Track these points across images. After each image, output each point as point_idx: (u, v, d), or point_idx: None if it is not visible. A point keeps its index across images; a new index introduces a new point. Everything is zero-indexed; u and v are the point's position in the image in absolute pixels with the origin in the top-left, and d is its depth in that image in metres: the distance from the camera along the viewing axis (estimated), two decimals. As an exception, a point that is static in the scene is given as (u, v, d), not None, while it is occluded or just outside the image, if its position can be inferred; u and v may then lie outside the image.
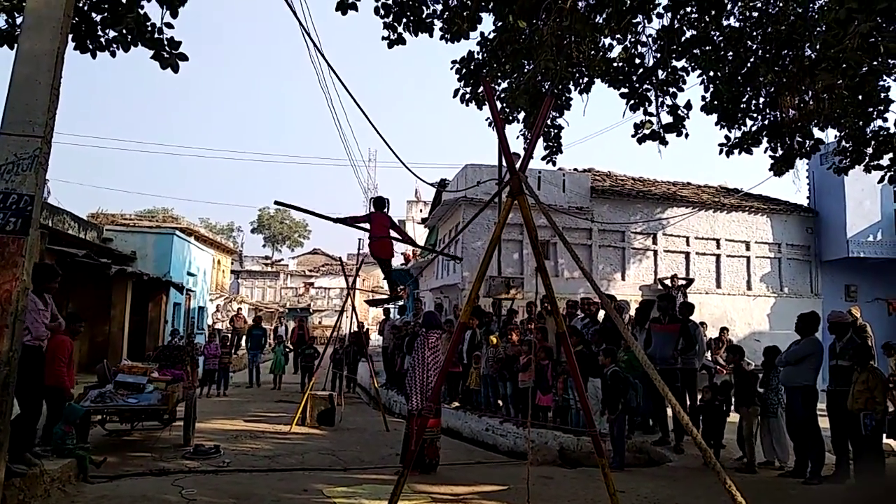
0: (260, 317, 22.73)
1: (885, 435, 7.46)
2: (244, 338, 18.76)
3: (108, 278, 14.59)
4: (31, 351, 5.93)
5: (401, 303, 23.71)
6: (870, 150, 9.11)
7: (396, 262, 28.06)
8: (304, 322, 19.02)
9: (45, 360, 6.54)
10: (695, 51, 9.04)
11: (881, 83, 7.85)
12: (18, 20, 6.38)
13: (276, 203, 9.43)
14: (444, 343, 8.38)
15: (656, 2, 8.80)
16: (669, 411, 7.76)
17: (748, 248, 18.68)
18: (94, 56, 6.86)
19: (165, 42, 6.72)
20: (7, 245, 4.29)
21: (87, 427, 7.67)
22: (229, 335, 19.73)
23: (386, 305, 19.66)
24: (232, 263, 40.33)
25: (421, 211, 49.16)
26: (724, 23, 8.94)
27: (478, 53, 9.48)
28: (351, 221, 8.94)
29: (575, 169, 18.88)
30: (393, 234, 9.08)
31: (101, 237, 16.75)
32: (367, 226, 8.84)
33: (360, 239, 24.47)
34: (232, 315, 27.92)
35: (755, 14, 8.82)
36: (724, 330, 13.64)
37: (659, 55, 9.26)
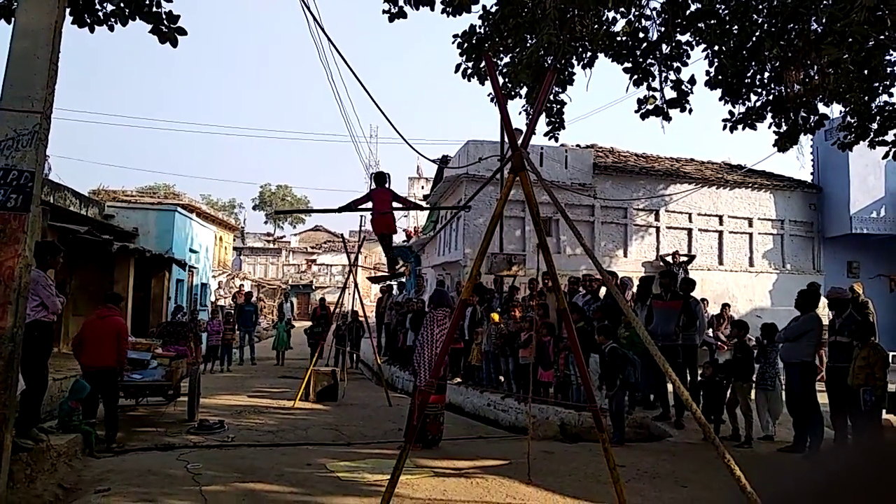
0: (251, 293, 22.70)
1: (884, 410, 7.50)
2: (236, 315, 18.73)
3: (111, 255, 14.61)
4: (44, 327, 6.00)
5: (402, 279, 23.76)
6: (874, 126, 9.04)
7: (398, 238, 28.05)
8: (324, 301, 18.63)
9: (107, 340, 6.99)
10: (699, 24, 8.92)
11: (887, 57, 7.76)
12: (15, -6, 6.31)
13: (277, 213, 9.46)
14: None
15: (661, -26, 8.68)
16: (670, 387, 7.81)
17: (751, 225, 18.63)
18: (91, 30, 6.80)
19: (164, 16, 6.65)
20: (9, 221, 4.29)
21: (93, 403, 7.75)
22: (232, 311, 19.79)
23: (388, 283, 19.66)
24: (234, 240, 40.38)
25: (423, 188, 49.06)
26: (730, -4, 8.81)
27: (479, 27, 9.36)
28: (353, 206, 8.86)
29: (577, 145, 18.77)
30: (396, 205, 9.05)
31: (103, 214, 16.74)
32: (369, 205, 8.80)
33: (361, 216, 24.44)
34: (234, 292, 28.02)
35: (761, -13, 8.69)
36: (725, 306, 13.65)
37: (663, 29, 9.14)
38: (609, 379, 8.10)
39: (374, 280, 27.93)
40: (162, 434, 8.07)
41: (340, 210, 8.81)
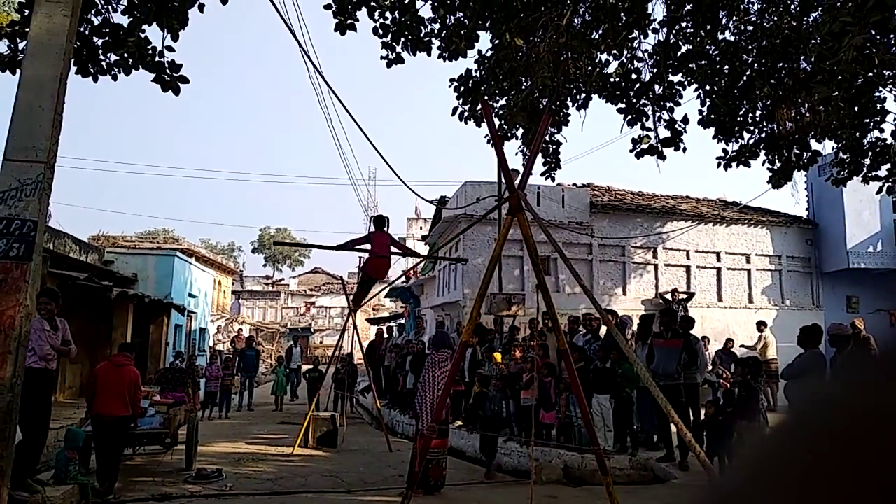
0: (251, 337, 22.53)
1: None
2: (237, 359, 18.47)
3: (110, 301, 14.57)
4: (37, 374, 5.96)
5: (402, 321, 23.67)
6: (867, 161, 9.16)
7: (397, 278, 28.01)
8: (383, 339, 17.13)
9: (124, 389, 7.01)
10: (691, 65, 9.12)
11: (877, 94, 7.91)
12: (21, 45, 6.44)
13: (276, 244, 9.58)
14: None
15: (651, 17, 8.90)
16: (674, 427, 7.73)
17: (748, 261, 18.66)
18: (95, 80, 6.92)
19: (166, 65, 6.78)
20: (10, 271, 4.30)
21: (89, 452, 7.64)
22: (231, 356, 19.62)
23: (388, 325, 19.58)
24: (233, 284, 40.32)
25: (421, 228, 49.19)
26: (720, 37, 9.02)
27: (476, 71, 9.55)
28: (352, 245, 8.94)
29: (574, 184, 18.93)
30: (394, 249, 9.11)
31: (103, 259, 16.76)
32: (368, 246, 8.86)
33: (360, 258, 24.47)
34: (233, 336, 27.85)
35: (750, 28, 8.91)
36: (729, 341, 13.71)
37: (655, 70, 9.33)
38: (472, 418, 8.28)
39: (374, 322, 27.83)
40: (159, 484, 7.92)
41: (339, 248, 8.89)
